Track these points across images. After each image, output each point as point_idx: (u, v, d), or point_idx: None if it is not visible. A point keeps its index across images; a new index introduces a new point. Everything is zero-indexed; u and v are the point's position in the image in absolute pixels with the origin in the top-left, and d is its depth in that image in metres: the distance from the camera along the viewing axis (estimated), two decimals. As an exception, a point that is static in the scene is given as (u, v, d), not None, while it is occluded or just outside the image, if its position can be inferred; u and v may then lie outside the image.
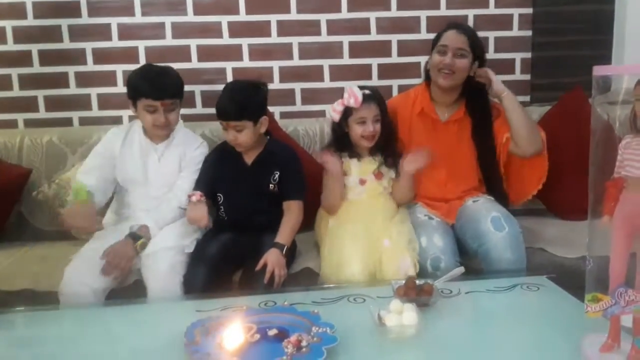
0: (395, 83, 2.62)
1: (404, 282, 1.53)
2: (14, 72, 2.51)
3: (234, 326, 1.28)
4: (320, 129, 2.45)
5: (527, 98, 2.67)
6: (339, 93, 2.54)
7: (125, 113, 2.56)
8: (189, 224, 1.88)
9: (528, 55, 2.65)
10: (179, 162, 2.04)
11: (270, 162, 1.98)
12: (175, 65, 2.49)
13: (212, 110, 2.15)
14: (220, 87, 2.46)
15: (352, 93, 1.94)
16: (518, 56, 2.66)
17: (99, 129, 2.42)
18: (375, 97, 1.97)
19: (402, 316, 1.34)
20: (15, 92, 2.52)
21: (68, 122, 2.56)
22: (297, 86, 2.60)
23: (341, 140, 2.01)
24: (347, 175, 2.01)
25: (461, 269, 1.62)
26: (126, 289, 1.86)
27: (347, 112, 1.97)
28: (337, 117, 2.00)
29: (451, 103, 2.12)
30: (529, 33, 2.63)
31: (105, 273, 1.78)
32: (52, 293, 1.80)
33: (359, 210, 1.97)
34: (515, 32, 2.64)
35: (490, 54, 2.64)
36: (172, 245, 1.86)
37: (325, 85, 2.61)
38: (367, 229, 1.90)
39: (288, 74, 2.59)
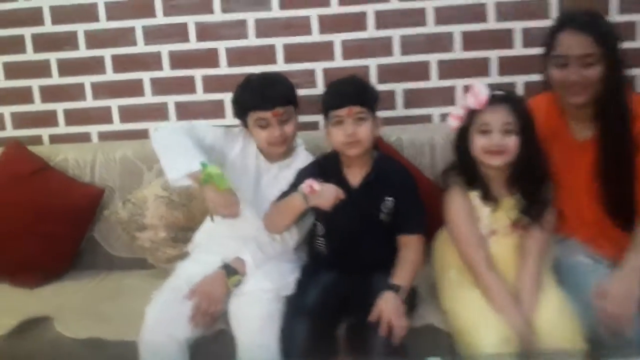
0: (520, 80, 2.17)
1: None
2: (87, 80, 2.29)
3: None
4: (429, 138, 2.04)
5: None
6: (448, 93, 2.20)
7: (208, 123, 2.27)
8: (326, 206, 1.49)
9: None
10: None
11: (382, 185, 1.61)
12: (260, 68, 2.21)
13: (302, 119, 1.87)
14: (310, 90, 2.16)
15: (474, 91, 1.52)
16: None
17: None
18: (509, 100, 1.52)
19: None
20: (89, 102, 2.31)
21: (144, 133, 2.31)
22: (399, 87, 2.21)
23: (465, 163, 1.57)
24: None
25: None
26: (211, 339, 1.56)
27: (471, 117, 1.55)
28: (454, 124, 1.58)
29: (591, 116, 1.61)
30: None
31: (194, 321, 1.51)
32: (125, 343, 1.53)
33: None
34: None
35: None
36: (269, 287, 1.55)
37: (432, 85, 2.20)
38: None
39: (387, 73, 2.20)
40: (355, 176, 1.62)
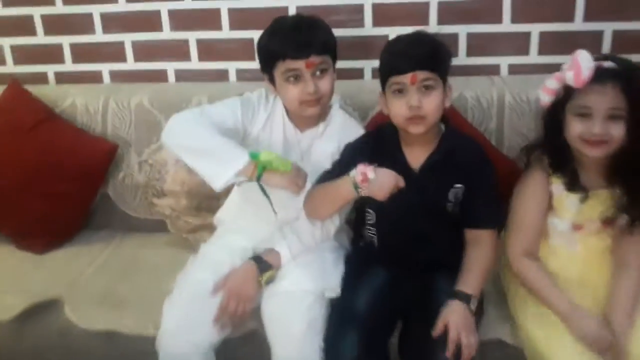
0: (608, 27, 1.78)
1: None
2: (95, 10, 1.96)
3: None
4: (498, 96, 1.71)
5: None
6: (522, 40, 1.84)
7: (234, 65, 1.96)
8: (381, 197, 1.21)
9: None
10: (331, 162, 1.42)
11: (449, 168, 1.30)
12: (297, 2, 1.87)
13: (348, 64, 1.71)
14: (357, 31, 1.81)
15: (575, 62, 1.21)
16: None
17: (200, 87, 1.88)
18: (621, 76, 1.19)
19: None
20: (99, 36, 1.99)
21: (162, 75, 2.01)
22: (462, 30, 1.85)
23: (555, 144, 1.28)
24: (553, 214, 1.32)
25: None
26: (240, 342, 1.36)
27: (568, 94, 1.24)
28: (546, 99, 1.29)
29: None
30: None
31: (220, 323, 1.30)
32: (143, 338, 1.34)
33: (571, 271, 1.31)
34: None
35: None
36: (311, 287, 1.31)
37: (503, 29, 1.83)
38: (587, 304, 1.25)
39: (450, 13, 1.83)
40: (416, 156, 1.32)
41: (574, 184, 1.27)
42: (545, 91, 1.28)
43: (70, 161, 1.76)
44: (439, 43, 1.29)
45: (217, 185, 1.25)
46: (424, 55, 1.24)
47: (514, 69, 1.87)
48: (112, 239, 1.82)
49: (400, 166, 1.28)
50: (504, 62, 1.87)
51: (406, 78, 1.23)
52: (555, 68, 1.77)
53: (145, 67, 2.01)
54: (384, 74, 1.29)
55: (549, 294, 1.26)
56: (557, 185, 1.30)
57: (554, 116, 1.28)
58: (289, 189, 1.26)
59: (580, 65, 1.19)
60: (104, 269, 1.65)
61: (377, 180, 1.19)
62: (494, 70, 1.88)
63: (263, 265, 1.34)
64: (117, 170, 1.84)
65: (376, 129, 1.41)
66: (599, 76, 1.19)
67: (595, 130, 1.19)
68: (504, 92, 1.72)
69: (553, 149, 1.29)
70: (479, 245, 1.31)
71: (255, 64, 1.90)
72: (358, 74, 1.91)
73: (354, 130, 1.47)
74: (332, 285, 1.34)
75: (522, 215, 1.33)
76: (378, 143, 1.36)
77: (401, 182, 1.21)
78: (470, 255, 1.30)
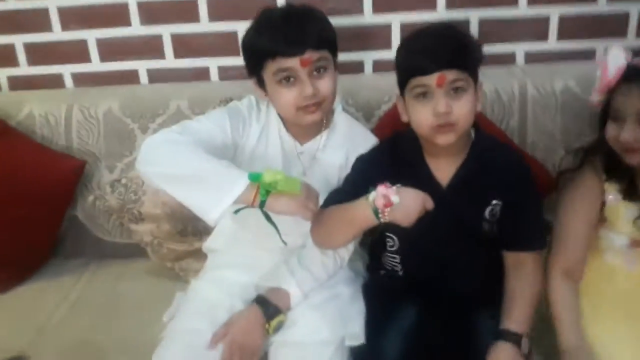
0: (635, 8, 1.60)
1: None
2: (52, 4, 1.69)
3: None
4: (520, 88, 1.52)
5: None
6: (540, 26, 1.64)
7: (215, 62, 1.73)
8: (407, 223, 1.01)
9: None
10: (338, 176, 1.22)
11: (483, 182, 1.11)
12: (287, -10, 1.64)
13: (346, 57, 1.54)
14: (355, 19, 1.60)
15: (606, 58, 1.08)
16: None
17: (177, 89, 1.65)
18: None
19: None
20: (57, 33, 1.73)
21: (133, 76, 1.76)
22: (474, 15, 1.64)
23: (607, 146, 1.12)
24: (605, 226, 1.16)
25: None
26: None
27: (608, 95, 1.10)
28: (595, 98, 1.14)
29: None
30: None
31: None
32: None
33: (631, 296, 1.13)
34: None
35: None
36: (328, 336, 1.10)
37: (519, 13, 1.63)
38: None
39: (459, -4, 1.63)
40: (443, 169, 1.12)
41: (632, 192, 1.11)
42: (595, 90, 1.13)
43: (30, 182, 1.51)
44: (467, 36, 1.10)
45: (212, 217, 1.01)
46: (453, 52, 1.03)
47: (531, 57, 1.68)
48: (85, 269, 1.59)
49: (425, 182, 1.09)
50: (520, 49, 1.68)
51: (432, 79, 1.02)
52: (576, 55, 1.64)
53: (113, 68, 1.75)
54: (403, 75, 1.09)
55: (563, 323, 1.10)
56: (612, 193, 1.13)
57: (605, 116, 1.11)
58: (299, 215, 1.04)
59: (606, 63, 1.07)
60: (77, 309, 1.41)
61: (402, 205, 0.99)
62: (509, 58, 1.68)
63: (270, 309, 1.12)
64: (86, 191, 1.60)
65: (392, 137, 1.20)
66: (627, 76, 1.05)
67: (623, 137, 1.05)
68: (526, 83, 1.53)
69: (607, 150, 1.12)
70: (523, 271, 1.12)
71: (240, 60, 1.67)
72: (358, 67, 1.70)
73: (364, 138, 1.27)
74: (354, 330, 1.13)
75: (567, 226, 1.16)
76: (396, 154, 1.15)
77: (429, 204, 1.01)
78: (513, 283, 1.11)
